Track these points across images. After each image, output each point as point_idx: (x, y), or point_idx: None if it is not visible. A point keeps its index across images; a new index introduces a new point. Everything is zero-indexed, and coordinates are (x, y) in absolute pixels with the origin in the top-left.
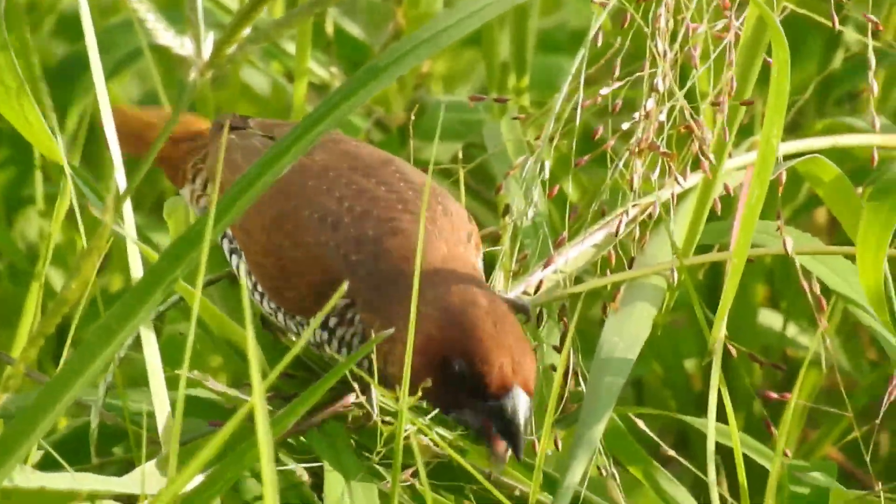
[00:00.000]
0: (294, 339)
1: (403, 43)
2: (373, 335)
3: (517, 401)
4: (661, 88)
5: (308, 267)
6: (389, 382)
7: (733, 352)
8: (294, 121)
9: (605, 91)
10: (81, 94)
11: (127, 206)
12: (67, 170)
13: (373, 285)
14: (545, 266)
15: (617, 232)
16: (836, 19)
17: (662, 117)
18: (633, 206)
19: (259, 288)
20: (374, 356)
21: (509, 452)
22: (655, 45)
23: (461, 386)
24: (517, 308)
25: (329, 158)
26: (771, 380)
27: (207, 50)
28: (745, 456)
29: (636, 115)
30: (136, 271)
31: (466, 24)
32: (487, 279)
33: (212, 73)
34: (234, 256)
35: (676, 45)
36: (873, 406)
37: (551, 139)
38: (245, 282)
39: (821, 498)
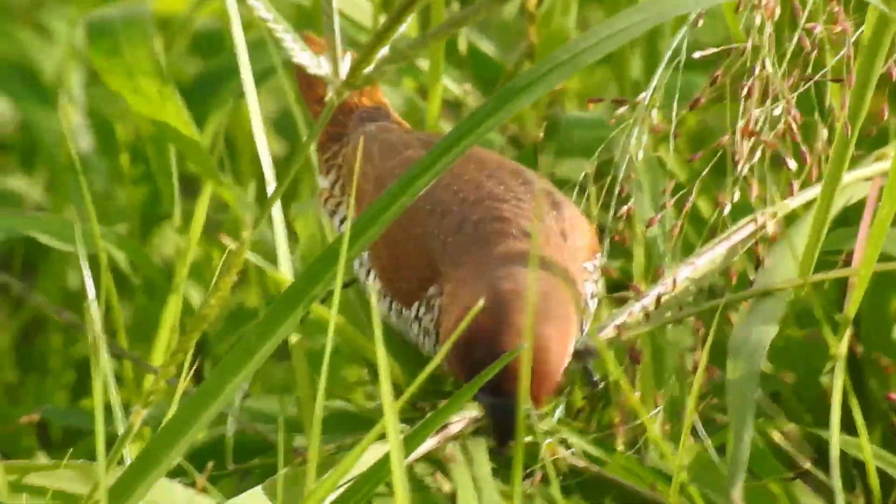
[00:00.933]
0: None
1: (541, 65)
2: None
3: (499, 406)
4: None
5: (415, 257)
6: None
7: (859, 358)
8: (428, 131)
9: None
10: (216, 109)
11: (277, 211)
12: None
13: (456, 263)
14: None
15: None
16: None
17: (777, 110)
18: (753, 218)
19: (378, 284)
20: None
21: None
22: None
23: (477, 372)
24: (583, 353)
25: (459, 161)
26: None
27: (344, 69)
28: (881, 471)
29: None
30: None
31: (602, 47)
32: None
33: (348, 93)
34: (361, 269)
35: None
36: None
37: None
38: (371, 290)
39: None
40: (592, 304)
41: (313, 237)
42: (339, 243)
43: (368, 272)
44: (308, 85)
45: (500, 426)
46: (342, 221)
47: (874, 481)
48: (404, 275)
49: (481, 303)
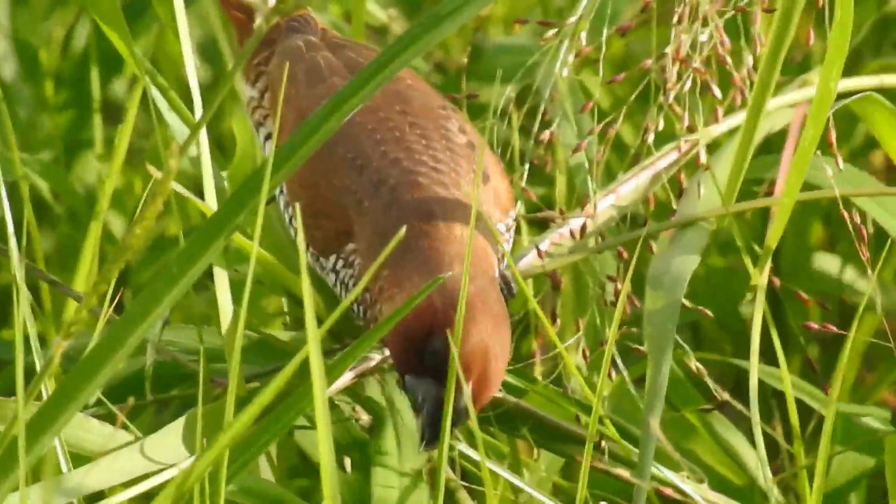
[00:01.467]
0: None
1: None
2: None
3: (439, 398)
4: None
5: (332, 210)
6: (366, 321)
7: (778, 289)
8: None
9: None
10: (142, 35)
11: (203, 140)
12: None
13: (378, 233)
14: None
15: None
16: None
17: (704, 36)
18: (677, 145)
19: (293, 223)
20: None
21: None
22: None
23: (431, 361)
24: (505, 283)
25: (382, 97)
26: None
27: None
28: (799, 401)
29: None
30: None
31: None
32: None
33: (276, 19)
34: (281, 200)
35: None
36: None
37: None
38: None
39: (874, 442)
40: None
41: (245, 152)
42: (261, 172)
43: (287, 205)
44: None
45: (433, 417)
46: (267, 137)
47: (792, 411)
48: (322, 223)
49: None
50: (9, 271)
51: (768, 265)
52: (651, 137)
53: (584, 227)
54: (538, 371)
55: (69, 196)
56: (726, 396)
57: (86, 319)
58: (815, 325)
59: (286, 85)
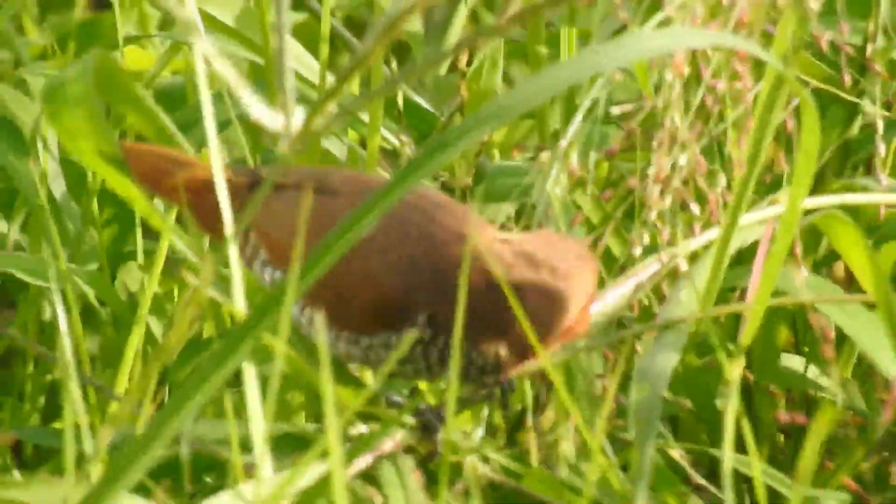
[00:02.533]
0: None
1: (469, 119)
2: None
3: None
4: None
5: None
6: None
7: (750, 385)
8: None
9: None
10: None
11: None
12: (167, 230)
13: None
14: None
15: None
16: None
17: (683, 160)
18: (659, 257)
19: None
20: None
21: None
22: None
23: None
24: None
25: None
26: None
27: (296, 123)
28: (767, 486)
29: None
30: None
31: (525, 102)
32: None
33: (300, 145)
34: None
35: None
36: (885, 440)
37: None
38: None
39: None
40: None
41: None
42: (287, 279)
43: (303, 309)
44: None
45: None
46: (263, 265)
47: (761, 495)
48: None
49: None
50: (58, 371)
51: (741, 363)
52: (637, 250)
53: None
54: (534, 458)
55: (113, 302)
56: (702, 481)
57: (128, 414)
58: (783, 417)
59: (280, 207)
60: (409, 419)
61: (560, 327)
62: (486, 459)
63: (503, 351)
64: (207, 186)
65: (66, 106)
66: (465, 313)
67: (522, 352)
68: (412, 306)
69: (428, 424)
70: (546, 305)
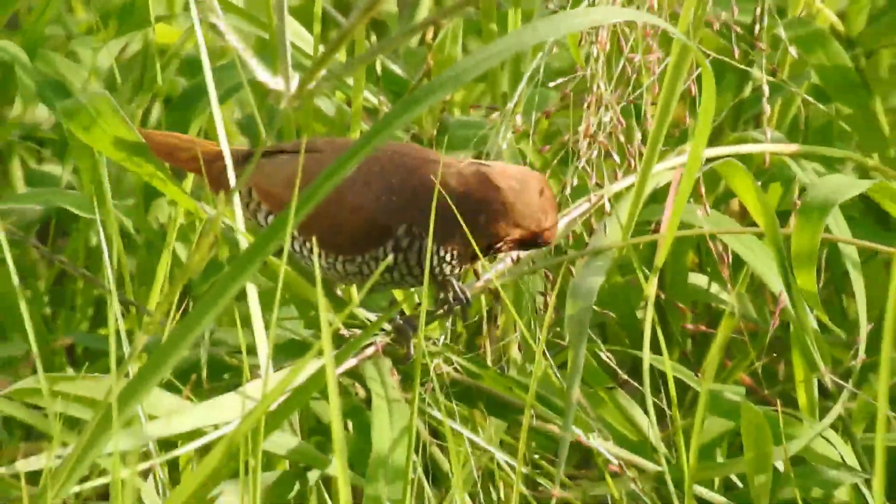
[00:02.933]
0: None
1: (433, 81)
2: None
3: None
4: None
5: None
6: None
7: (663, 300)
8: (300, 139)
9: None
10: (196, 115)
11: (236, 200)
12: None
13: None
14: None
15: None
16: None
17: (607, 118)
18: (588, 198)
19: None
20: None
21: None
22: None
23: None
24: (464, 295)
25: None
26: (699, 328)
27: (293, 85)
28: (678, 381)
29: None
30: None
31: (478, 67)
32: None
33: (297, 103)
34: (293, 243)
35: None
36: (774, 344)
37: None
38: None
39: (734, 411)
40: None
41: None
42: (287, 213)
43: (303, 243)
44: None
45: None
46: (266, 217)
47: (672, 388)
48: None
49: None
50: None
51: (655, 282)
52: (569, 191)
53: (519, 256)
54: (489, 360)
55: (147, 231)
56: (626, 377)
57: (158, 324)
58: (690, 326)
59: (260, 178)
60: (387, 327)
61: (532, 215)
62: (449, 362)
63: (461, 248)
64: (214, 157)
65: (86, 122)
66: (435, 221)
67: (478, 248)
68: (393, 224)
69: (402, 331)
70: (520, 201)
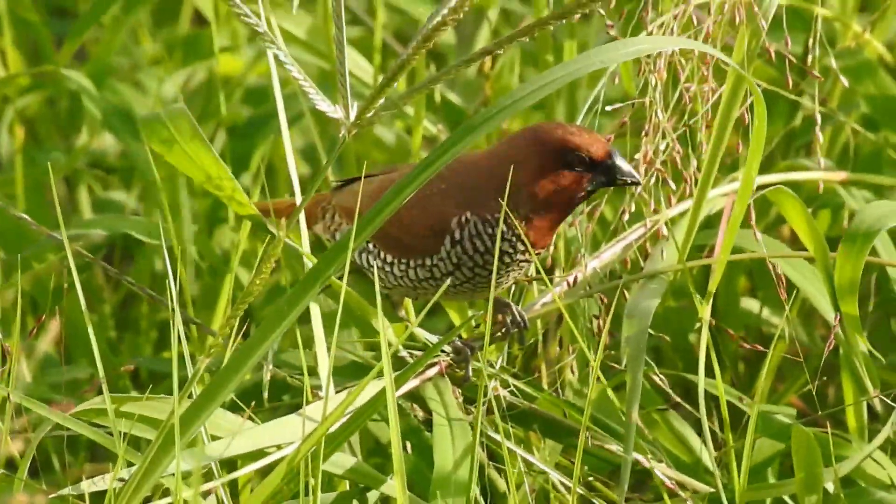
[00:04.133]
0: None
1: (489, 109)
2: None
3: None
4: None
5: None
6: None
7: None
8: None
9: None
10: (260, 143)
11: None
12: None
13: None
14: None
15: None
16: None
17: (663, 145)
18: (644, 223)
19: (389, 258)
20: None
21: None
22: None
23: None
24: (521, 318)
25: None
26: (751, 350)
27: (353, 114)
28: (729, 403)
29: (645, 144)
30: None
31: (534, 95)
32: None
33: (355, 131)
34: (367, 256)
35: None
36: (825, 368)
37: None
38: (376, 272)
39: (785, 433)
40: None
41: None
42: (348, 236)
43: (376, 256)
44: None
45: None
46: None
47: (725, 410)
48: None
49: None
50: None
51: (709, 306)
52: (626, 217)
53: (576, 280)
54: (545, 383)
55: (211, 256)
56: (679, 400)
57: (221, 345)
58: (746, 346)
59: (343, 197)
60: (447, 349)
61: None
62: (506, 384)
63: (522, 220)
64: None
65: (165, 136)
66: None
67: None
68: (449, 217)
69: (461, 352)
70: (538, 140)
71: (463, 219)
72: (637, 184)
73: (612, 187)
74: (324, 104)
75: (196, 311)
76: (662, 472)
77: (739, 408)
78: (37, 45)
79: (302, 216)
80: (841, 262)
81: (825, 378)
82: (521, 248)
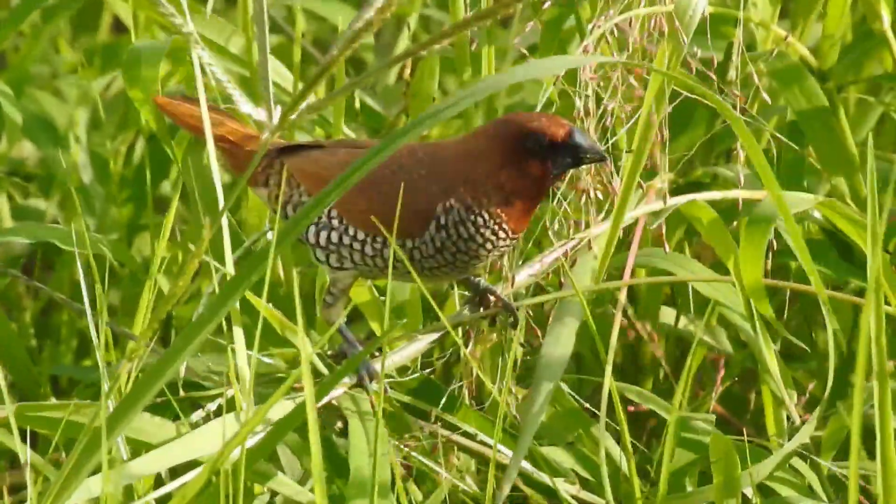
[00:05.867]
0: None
1: (414, 120)
2: None
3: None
4: None
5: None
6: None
7: (642, 333)
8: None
9: None
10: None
11: (224, 223)
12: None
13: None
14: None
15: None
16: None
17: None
18: (565, 242)
19: (360, 236)
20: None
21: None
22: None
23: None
24: (507, 307)
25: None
26: (672, 357)
27: (275, 117)
28: (651, 411)
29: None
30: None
31: (456, 107)
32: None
33: (278, 133)
34: (327, 233)
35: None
36: (742, 376)
37: None
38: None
39: (704, 441)
40: None
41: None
42: (267, 249)
43: (332, 232)
44: (233, 157)
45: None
46: (295, 208)
47: (620, 412)
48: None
49: None
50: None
51: (618, 318)
52: (552, 233)
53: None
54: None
55: (130, 264)
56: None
57: (141, 351)
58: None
59: (304, 163)
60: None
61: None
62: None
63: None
64: (242, 139)
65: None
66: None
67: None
68: (436, 204)
69: (366, 373)
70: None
71: (447, 204)
72: (602, 160)
73: (581, 166)
74: (247, 106)
75: (118, 319)
76: (566, 489)
77: (660, 415)
78: None
79: (225, 219)
80: (744, 253)
81: (746, 383)
82: (503, 234)
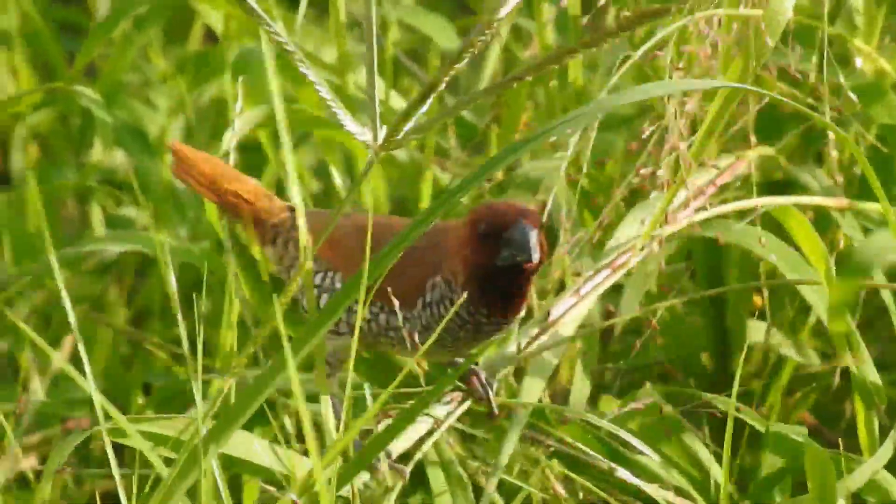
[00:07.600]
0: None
1: (500, 153)
2: None
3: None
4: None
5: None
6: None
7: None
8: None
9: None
10: (272, 159)
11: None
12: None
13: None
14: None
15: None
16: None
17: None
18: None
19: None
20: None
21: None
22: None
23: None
24: (482, 398)
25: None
26: (761, 368)
27: (381, 137)
28: (740, 421)
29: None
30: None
31: (548, 135)
32: None
33: (384, 153)
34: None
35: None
36: (839, 388)
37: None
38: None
39: (798, 451)
40: None
41: None
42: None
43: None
44: (256, 222)
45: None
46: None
47: (730, 429)
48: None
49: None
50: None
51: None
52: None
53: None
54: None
55: (221, 272)
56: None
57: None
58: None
59: (317, 224)
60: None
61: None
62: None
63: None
64: (255, 200)
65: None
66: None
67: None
68: (429, 277)
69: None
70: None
71: (434, 282)
72: (516, 265)
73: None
74: (352, 126)
75: (206, 322)
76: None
77: (750, 425)
78: (48, 62)
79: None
80: (834, 294)
81: (837, 394)
82: (480, 317)
